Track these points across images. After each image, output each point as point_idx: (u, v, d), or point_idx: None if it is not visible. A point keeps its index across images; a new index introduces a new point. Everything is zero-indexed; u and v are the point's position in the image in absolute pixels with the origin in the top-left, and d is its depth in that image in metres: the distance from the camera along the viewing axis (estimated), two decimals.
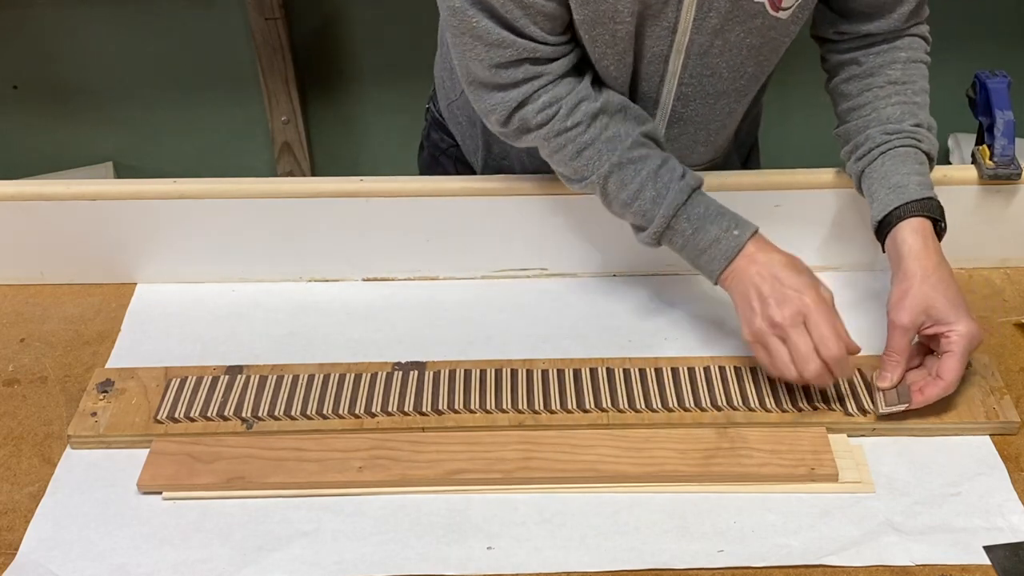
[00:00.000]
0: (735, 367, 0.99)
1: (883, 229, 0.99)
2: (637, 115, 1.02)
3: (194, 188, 1.10)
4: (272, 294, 1.13)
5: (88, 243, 1.13)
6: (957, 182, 1.11)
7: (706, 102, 1.04)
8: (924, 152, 1.02)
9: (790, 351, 0.92)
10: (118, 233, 1.12)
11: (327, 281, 1.15)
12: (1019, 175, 1.10)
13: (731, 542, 0.85)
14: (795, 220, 1.12)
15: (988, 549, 0.84)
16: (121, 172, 2.20)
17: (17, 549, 0.86)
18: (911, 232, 0.97)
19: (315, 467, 0.91)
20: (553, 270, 1.16)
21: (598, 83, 1.02)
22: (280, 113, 2.06)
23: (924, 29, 1.07)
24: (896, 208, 0.98)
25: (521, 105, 0.99)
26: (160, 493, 0.90)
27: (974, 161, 1.12)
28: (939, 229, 0.99)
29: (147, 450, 0.93)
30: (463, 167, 1.24)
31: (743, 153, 1.23)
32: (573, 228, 1.13)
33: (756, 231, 0.98)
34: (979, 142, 1.13)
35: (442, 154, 1.26)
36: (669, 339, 1.06)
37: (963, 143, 2.17)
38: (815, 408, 0.95)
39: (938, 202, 0.99)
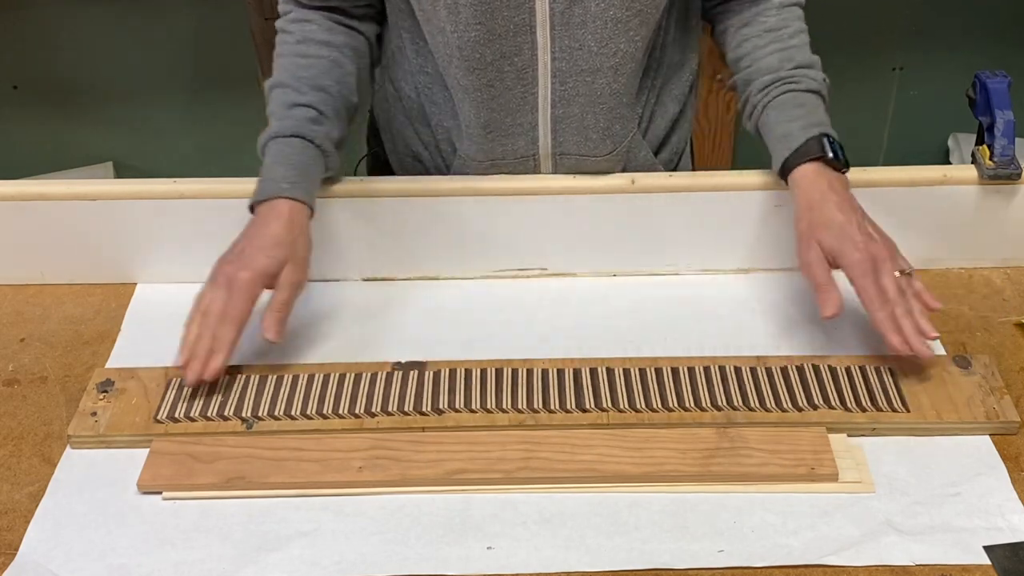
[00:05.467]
0: (735, 367, 0.99)
1: (785, 179, 1.04)
2: (338, 69, 1.08)
3: (194, 188, 1.10)
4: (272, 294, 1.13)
5: (88, 243, 1.13)
6: (957, 182, 1.11)
7: (583, 79, 1.05)
8: (804, 90, 1.05)
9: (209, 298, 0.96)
10: (118, 233, 1.12)
11: (327, 281, 1.15)
12: (1019, 175, 1.10)
13: (731, 542, 0.85)
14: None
15: (988, 549, 0.84)
16: (121, 172, 2.20)
17: (17, 549, 0.86)
18: (797, 179, 1.02)
19: (315, 467, 0.91)
20: (553, 270, 1.16)
21: (351, 31, 1.10)
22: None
23: None
24: (786, 160, 1.03)
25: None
26: (160, 493, 0.90)
27: (974, 161, 1.12)
28: (832, 159, 1.01)
29: (147, 450, 0.93)
30: (389, 171, 1.26)
31: (671, 160, 1.23)
32: (573, 228, 1.13)
33: (302, 201, 1.00)
34: (979, 142, 1.13)
35: (374, 157, 1.29)
36: (669, 339, 1.06)
37: (963, 143, 2.17)
38: (815, 408, 0.95)
39: (820, 137, 1.02)
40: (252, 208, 1.02)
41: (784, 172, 1.04)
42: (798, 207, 1.01)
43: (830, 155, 1.02)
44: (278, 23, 1.11)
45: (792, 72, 1.06)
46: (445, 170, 1.17)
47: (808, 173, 1.02)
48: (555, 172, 1.13)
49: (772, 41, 1.08)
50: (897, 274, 0.96)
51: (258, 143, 1.05)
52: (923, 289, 0.98)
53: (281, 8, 1.11)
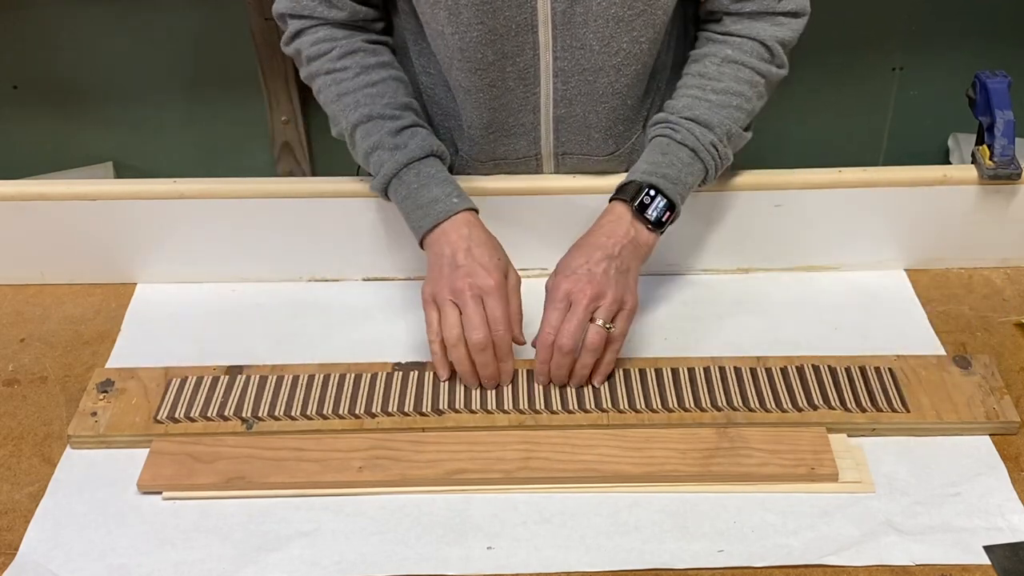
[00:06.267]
0: (735, 367, 0.99)
1: None
2: (406, 86, 1.07)
3: (194, 188, 1.10)
4: (272, 294, 1.13)
5: (88, 243, 1.13)
6: (957, 182, 1.11)
7: (585, 78, 1.05)
8: (679, 142, 1.02)
9: (462, 318, 0.95)
10: (118, 233, 1.12)
11: (327, 281, 1.15)
12: (1019, 175, 1.10)
13: (731, 542, 0.85)
14: (795, 220, 1.12)
15: (988, 549, 0.84)
16: (121, 172, 2.20)
17: (17, 549, 0.85)
18: (601, 214, 1.01)
19: (315, 467, 0.91)
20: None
21: (385, 47, 1.09)
22: (280, 113, 2.06)
23: (769, 35, 1.04)
24: (611, 196, 1.02)
25: (298, 34, 1.06)
26: (160, 493, 0.90)
27: (974, 161, 1.12)
28: (637, 209, 0.99)
29: (147, 450, 0.93)
30: None
31: None
32: (573, 228, 1.12)
33: (474, 209, 1.01)
34: (979, 142, 1.13)
35: None
36: (669, 339, 1.06)
37: (963, 143, 2.17)
38: (815, 408, 0.95)
39: (651, 185, 0.99)
40: (423, 242, 1.01)
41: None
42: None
43: (635, 203, 0.99)
44: (319, 65, 1.05)
45: (682, 120, 1.02)
46: (448, 169, 1.17)
47: (609, 209, 1.01)
48: (557, 172, 1.13)
49: (695, 86, 1.05)
50: (599, 322, 0.95)
51: (376, 186, 1.03)
52: (607, 362, 0.97)
53: (317, 48, 1.05)
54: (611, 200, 1.01)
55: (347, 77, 1.05)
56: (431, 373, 0.99)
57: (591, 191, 1.11)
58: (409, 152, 1.02)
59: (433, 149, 1.03)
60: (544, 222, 1.12)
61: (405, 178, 1.01)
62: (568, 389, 0.97)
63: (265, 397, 0.97)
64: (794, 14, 1.05)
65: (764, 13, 1.04)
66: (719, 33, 1.06)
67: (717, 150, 1.02)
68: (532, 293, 1.13)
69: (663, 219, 1.00)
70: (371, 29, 1.09)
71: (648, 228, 1.00)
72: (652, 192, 0.99)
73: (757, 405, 0.95)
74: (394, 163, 1.01)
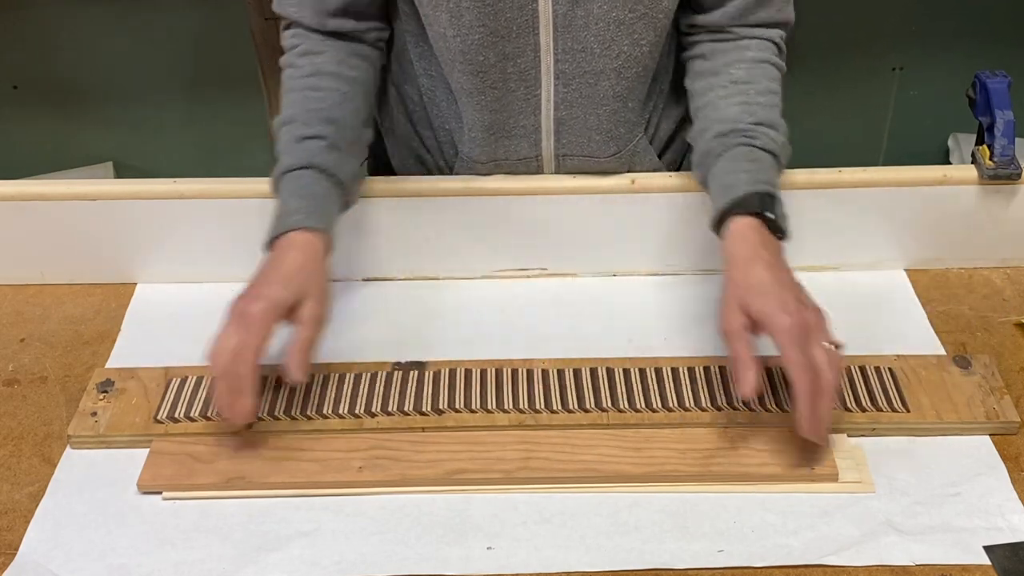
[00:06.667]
0: None
1: (719, 231, 0.96)
2: (351, 102, 1.05)
3: (194, 188, 1.10)
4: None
5: (88, 243, 1.13)
6: (957, 182, 1.11)
7: (586, 81, 1.04)
8: (760, 148, 0.99)
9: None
10: (118, 233, 1.12)
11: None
12: (1019, 175, 1.10)
13: (731, 542, 0.85)
14: (795, 220, 1.12)
15: (988, 549, 0.84)
16: (121, 172, 2.20)
17: (17, 549, 0.85)
18: (732, 234, 0.94)
19: (315, 467, 0.91)
20: (553, 270, 1.16)
21: (364, 60, 1.08)
22: (280, 113, 2.06)
23: (776, 34, 1.06)
24: (723, 210, 0.95)
25: (287, 26, 1.08)
26: (160, 493, 0.90)
27: (974, 161, 1.12)
28: (772, 220, 0.94)
29: (147, 450, 0.93)
30: (390, 172, 1.26)
31: (674, 161, 1.22)
32: (573, 228, 1.13)
33: (320, 230, 0.95)
34: (979, 142, 1.13)
35: (375, 159, 1.28)
36: (669, 339, 1.06)
37: (963, 143, 2.17)
38: None
39: (766, 194, 0.95)
40: (267, 249, 0.96)
41: (719, 224, 0.96)
42: (726, 263, 0.93)
43: (769, 215, 0.94)
44: (285, 58, 1.07)
45: (752, 126, 1.00)
46: (448, 172, 1.17)
47: (741, 228, 0.94)
48: (558, 173, 1.13)
49: (737, 93, 1.02)
50: (826, 344, 0.87)
51: (270, 185, 1.01)
52: (842, 367, 0.90)
53: (289, 42, 1.07)
54: (730, 216, 0.94)
55: (296, 75, 1.05)
56: (431, 373, 0.99)
57: (591, 191, 1.11)
58: (292, 160, 0.99)
59: (313, 162, 0.98)
60: (544, 222, 1.12)
61: (281, 184, 0.99)
62: (568, 389, 0.97)
63: (265, 397, 0.97)
64: (787, 23, 1.08)
65: (771, 24, 1.06)
66: (729, 40, 1.06)
67: (785, 147, 1.02)
68: (532, 293, 1.14)
69: (785, 225, 0.96)
70: (364, 40, 1.08)
71: (779, 237, 0.95)
72: (770, 199, 0.95)
73: (757, 405, 0.95)
74: (278, 169, 0.99)
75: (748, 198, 0.95)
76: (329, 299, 0.94)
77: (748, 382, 0.86)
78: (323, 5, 1.05)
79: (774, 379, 0.98)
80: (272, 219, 0.97)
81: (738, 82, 1.03)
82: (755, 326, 0.88)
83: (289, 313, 0.91)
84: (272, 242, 0.95)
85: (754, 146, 1.00)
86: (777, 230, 0.95)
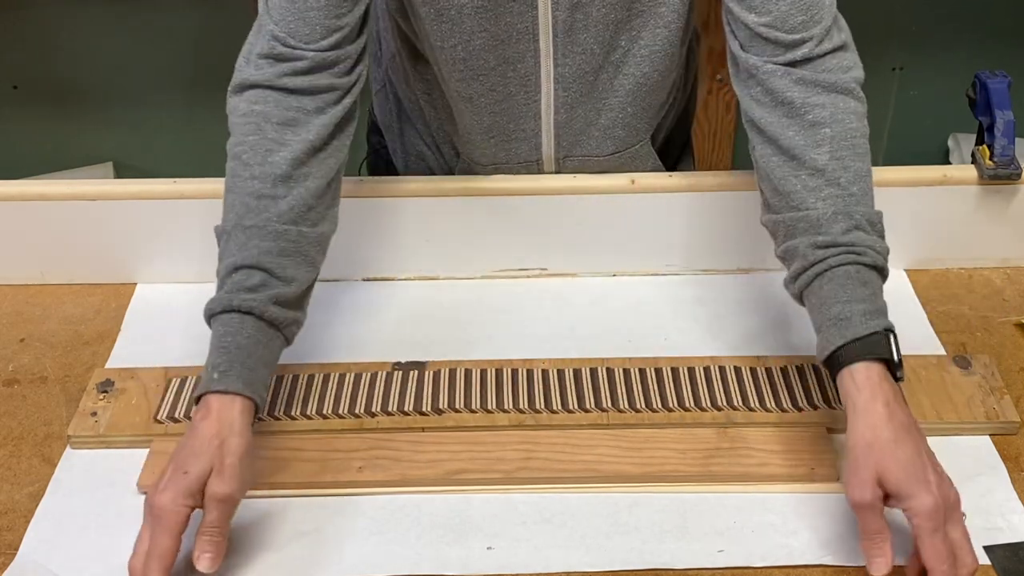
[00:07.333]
0: (735, 367, 0.99)
1: (833, 367, 0.86)
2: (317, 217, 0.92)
3: (194, 188, 1.10)
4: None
5: (88, 243, 1.13)
6: (957, 182, 1.11)
7: (586, 82, 1.04)
8: (869, 266, 0.87)
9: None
10: (118, 233, 1.12)
11: (328, 281, 1.15)
12: (1019, 175, 1.10)
13: (731, 542, 0.85)
14: None
15: (988, 549, 0.84)
16: (121, 172, 2.20)
17: (17, 549, 0.86)
18: (856, 383, 0.83)
19: (315, 467, 0.91)
20: (553, 270, 1.16)
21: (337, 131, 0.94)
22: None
23: (850, 77, 0.92)
24: (840, 348, 0.84)
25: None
26: None
27: (974, 161, 1.12)
28: (893, 365, 0.84)
29: (147, 450, 0.93)
30: (392, 169, 1.25)
31: (672, 154, 1.22)
32: (573, 228, 1.13)
33: (234, 392, 0.83)
34: (979, 142, 1.13)
35: (375, 155, 1.28)
36: (669, 339, 1.06)
37: (963, 143, 2.17)
38: (815, 408, 0.95)
39: (887, 333, 0.85)
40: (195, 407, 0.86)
41: (833, 362, 0.85)
42: (855, 419, 0.82)
43: (896, 359, 0.84)
44: (229, 105, 0.94)
45: (851, 237, 0.87)
46: (449, 171, 1.17)
47: (872, 377, 0.83)
48: (559, 174, 1.13)
49: (827, 185, 0.89)
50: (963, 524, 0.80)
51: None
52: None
53: (238, 78, 0.96)
54: (853, 360, 0.84)
55: (242, 155, 0.91)
56: (431, 373, 0.99)
57: (591, 191, 1.11)
58: (215, 300, 0.87)
59: (234, 304, 0.86)
60: (544, 222, 1.12)
61: (212, 329, 0.88)
62: (568, 389, 0.97)
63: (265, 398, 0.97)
64: (844, 46, 0.94)
65: (812, 58, 0.92)
66: (796, 103, 0.91)
67: (887, 252, 0.90)
68: (532, 293, 1.14)
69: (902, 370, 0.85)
70: (341, 73, 0.95)
71: (898, 376, 0.85)
72: (893, 338, 0.85)
73: (757, 405, 0.95)
74: (207, 308, 0.88)
75: (874, 341, 0.84)
76: (239, 474, 0.82)
77: (886, 561, 0.79)
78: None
79: (774, 379, 0.98)
80: (208, 364, 0.86)
81: (822, 170, 0.89)
82: (888, 498, 0.80)
83: (200, 496, 0.81)
84: (197, 402, 0.85)
85: (861, 264, 0.87)
86: (897, 372, 0.85)
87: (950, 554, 0.77)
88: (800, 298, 0.91)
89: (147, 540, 0.80)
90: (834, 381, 0.86)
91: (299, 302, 0.91)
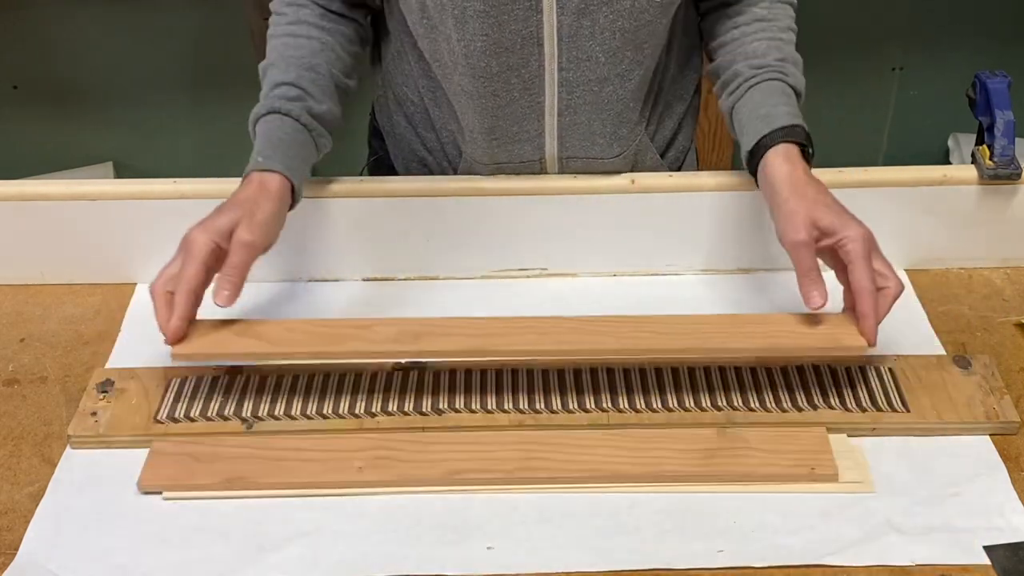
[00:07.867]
0: (735, 367, 0.99)
1: (754, 159, 1.00)
2: (330, 51, 1.07)
3: (194, 188, 1.10)
4: (272, 294, 1.13)
5: (88, 243, 1.13)
6: (957, 182, 1.11)
7: (590, 88, 1.04)
8: (790, 85, 1.04)
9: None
10: (118, 233, 1.12)
11: (327, 281, 1.15)
12: (1019, 175, 1.10)
13: (731, 542, 0.85)
14: None
15: (988, 549, 0.84)
16: (121, 172, 2.20)
17: (17, 549, 0.85)
18: (780, 157, 0.98)
19: (315, 467, 0.91)
20: (553, 270, 1.16)
21: (351, 26, 1.10)
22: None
23: None
24: (764, 136, 0.99)
25: None
26: (160, 493, 0.90)
27: (974, 161, 1.12)
28: (807, 155, 1.00)
29: (147, 450, 0.93)
30: (393, 174, 1.25)
31: (677, 159, 1.23)
32: (573, 228, 1.13)
33: (276, 171, 0.98)
34: (979, 142, 1.13)
35: (376, 160, 1.28)
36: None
37: (963, 143, 2.17)
38: (815, 408, 0.95)
39: (804, 129, 1.00)
40: None
41: (758, 149, 1.00)
42: (776, 183, 0.97)
43: (811, 149, 1.00)
44: (272, 4, 1.10)
45: (780, 63, 1.05)
46: (451, 173, 1.17)
47: (792, 152, 0.98)
48: (561, 174, 1.13)
49: (762, 30, 1.07)
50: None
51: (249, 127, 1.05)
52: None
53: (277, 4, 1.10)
54: (776, 142, 0.99)
55: (281, 22, 1.08)
56: (431, 373, 0.99)
57: (592, 191, 1.11)
58: (261, 106, 1.03)
59: (280, 108, 1.02)
60: (544, 222, 1.12)
61: (257, 130, 1.02)
62: (568, 389, 0.97)
63: (265, 397, 0.97)
64: None
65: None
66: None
67: (803, 88, 1.06)
68: (532, 293, 1.14)
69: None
70: (345, 1, 1.10)
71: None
72: (808, 136, 1.01)
73: (757, 405, 0.95)
74: (253, 114, 1.03)
75: (795, 129, 0.99)
76: (266, 229, 0.94)
77: (822, 292, 0.92)
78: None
79: (774, 379, 0.98)
80: (255, 149, 1.01)
81: (761, 20, 1.08)
82: (821, 238, 0.93)
83: (228, 236, 0.94)
84: (242, 182, 0.99)
85: (786, 82, 1.04)
86: (809, 160, 1.00)
87: (872, 280, 0.91)
88: (730, 111, 1.07)
89: (175, 265, 0.92)
90: (754, 173, 1.01)
91: (327, 123, 1.05)
